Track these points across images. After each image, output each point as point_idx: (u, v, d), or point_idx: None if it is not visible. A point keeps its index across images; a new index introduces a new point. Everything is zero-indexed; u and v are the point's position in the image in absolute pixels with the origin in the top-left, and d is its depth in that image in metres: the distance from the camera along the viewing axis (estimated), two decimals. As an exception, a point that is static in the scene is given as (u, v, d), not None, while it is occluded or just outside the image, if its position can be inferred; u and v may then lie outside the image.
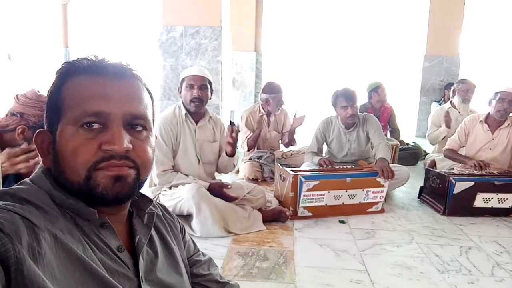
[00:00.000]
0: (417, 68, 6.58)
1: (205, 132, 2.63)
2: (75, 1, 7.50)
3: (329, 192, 2.63)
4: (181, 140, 2.56)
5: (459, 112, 4.14)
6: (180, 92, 2.55)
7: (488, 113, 3.22)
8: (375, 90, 4.38)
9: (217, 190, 2.51)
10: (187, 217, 2.39)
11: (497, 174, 2.96)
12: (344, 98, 3.09)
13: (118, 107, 0.67)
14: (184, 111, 2.55)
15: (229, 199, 2.51)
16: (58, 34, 7.40)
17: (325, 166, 2.97)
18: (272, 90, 3.70)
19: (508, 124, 3.14)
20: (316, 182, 2.59)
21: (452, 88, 4.49)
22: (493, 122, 3.20)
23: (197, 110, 2.55)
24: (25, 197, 0.63)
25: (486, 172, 2.96)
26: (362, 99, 3.89)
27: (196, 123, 2.59)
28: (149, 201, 0.80)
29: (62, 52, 7.46)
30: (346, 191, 2.68)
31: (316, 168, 3.03)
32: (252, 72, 7.08)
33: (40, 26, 6.87)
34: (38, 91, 1.55)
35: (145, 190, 2.59)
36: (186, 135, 2.56)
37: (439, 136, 4.02)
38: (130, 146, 0.67)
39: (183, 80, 2.53)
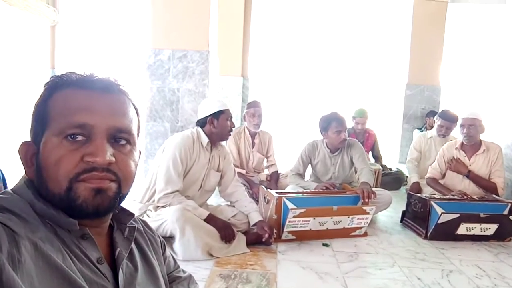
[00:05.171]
0: (400, 96, 6.75)
1: (215, 161, 2.67)
2: (64, 23, 7.55)
3: (314, 218, 2.64)
4: (194, 166, 2.55)
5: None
6: (213, 123, 2.55)
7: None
8: (354, 118, 4.55)
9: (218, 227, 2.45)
10: (169, 239, 2.36)
11: (477, 199, 3.02)
12: (338, 123, 3.16)
13: (102, 120, 0.68)
14: (206, 140, 2.56)
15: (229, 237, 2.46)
16: (45, 55, 7.40)
17: (331, 188, 3.02)
18: (249, 104, 3.91)
19: (484, 150, 3.22)
20: (302, 210, 2.59)
21: (434, 118, 4.53)
22: (468, 149, 3.27)
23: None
24: (6, 206, 0.63)
25: (465, 197, 3.02)
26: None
27: (211, 151, 2.63)
28: (130, 215, 0.80)
29: (48, 73, 7.43)
30: (332, 218, 2.69)
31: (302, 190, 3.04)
32: (239, 96, 7.16)
33: (27, 47, 6.87)
34: None
35: (133, 206, 2.55)
36: (200, 163, 2.58)
37: (409, 174, 4.00)
38: (113, 159, 0.68)
39: (221, 112, 2.56)
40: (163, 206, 2.46)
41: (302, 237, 2.67)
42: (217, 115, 2.56)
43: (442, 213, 2.74)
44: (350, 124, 4.55)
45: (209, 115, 2.57)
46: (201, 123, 2.61)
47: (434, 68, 6.53)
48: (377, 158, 4.64)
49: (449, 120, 3.95)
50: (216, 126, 2.57)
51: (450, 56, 7.05)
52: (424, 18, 6.48)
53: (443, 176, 3.44)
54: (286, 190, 3.12)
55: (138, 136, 0.78)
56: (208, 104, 2.63)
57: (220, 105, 2.61)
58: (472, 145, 3.24)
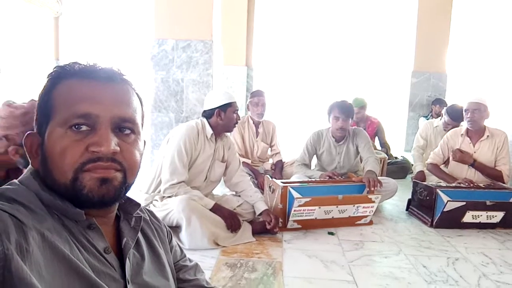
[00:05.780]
0: (405, 83, 6.70)
1: (219, 152, 2.68)
2: (67, 14, 7.54)
3: (320, 207, 2.64)
4: (199, 157, 2.57)
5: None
6: (220, 116, 2.55)
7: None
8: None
9: (224, 215, 2.47)
10: (175, 228, 2.38)
11: (483, 186, 3.01)
12: (339, 109, 3.13)
13: (106, 110, 0.68)
14: (211, 132, 2.57)
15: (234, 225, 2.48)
16: (49, 46, 7.41)
17: (335, 177, 3.05)
18: (252, 93, 3.89)
19: (488, 136, 3.19)
20: (308, 199, 2.59)
21: (442, 111, 4.42)
22: (473, 135, 3.24)
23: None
24: (13, 196, 0.64)
25: (471, 185, 3.00)
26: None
27: (216, 142, 2.64)
28: (136, 205, 0.80)
29: (53, 65, 7.45)
30: (337, 206, 2.69)
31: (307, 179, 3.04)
32: (243, 86, 7.14)
33: (31, 39, 6.87)
34: (11, 103, 1.44)
35: (139, 196, 2.57)
36: (206, 154, 2.59)
37: (415, 163, 3.99)
38: (118, 148, 0.68)
39: (229, 104, 2.55)
40: (169, 196, 2.48)
41: (308, 226, 2.68)
42: (224, 107, 2.56)
43: (448, 201, 2.73)
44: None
45: (216, 107, 2.56)
46: (208, 114, 2.60)
47: (440, 55, 6.45)
48: (384, 146, 4.62)
49: (457, 120, 3.88)
50: (223, 118, 2.57)
51: (456, 43, 6.96)
52: (430, 4, 6.39)
53: (445, 162, 3.42)
54: (291, 179, 3.13)
55: (142, 126, 0.77)
56: (215, 96, 2.62)
57: (228, 97, 2.60)
58: (477, 131, 3.20)
